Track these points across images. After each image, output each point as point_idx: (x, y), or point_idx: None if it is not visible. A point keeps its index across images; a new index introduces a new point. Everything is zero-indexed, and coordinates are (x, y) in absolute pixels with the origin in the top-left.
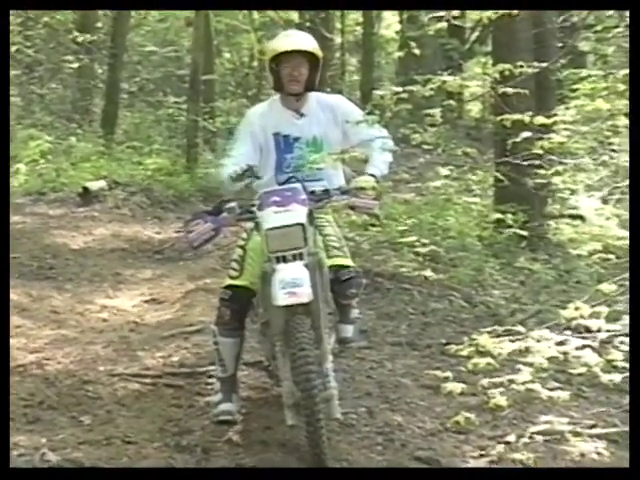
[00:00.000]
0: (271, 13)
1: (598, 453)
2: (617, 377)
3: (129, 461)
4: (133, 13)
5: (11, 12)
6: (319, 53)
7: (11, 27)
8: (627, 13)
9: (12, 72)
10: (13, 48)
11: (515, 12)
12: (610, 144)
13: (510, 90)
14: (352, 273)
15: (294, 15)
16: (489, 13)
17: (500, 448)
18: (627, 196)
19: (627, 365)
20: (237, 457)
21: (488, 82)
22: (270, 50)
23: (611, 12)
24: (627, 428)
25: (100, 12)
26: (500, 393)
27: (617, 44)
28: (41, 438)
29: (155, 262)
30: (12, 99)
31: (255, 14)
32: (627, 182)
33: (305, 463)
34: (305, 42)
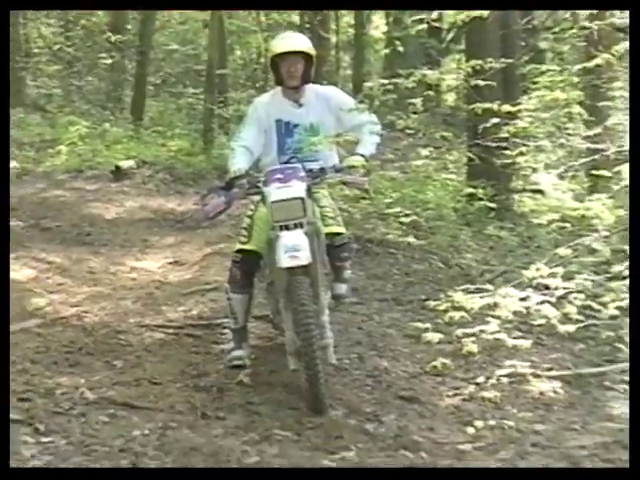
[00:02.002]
0: (275, 16)
1: (555, 392)
2: (571, 327)
3: (155, 399)
4: (158, 16)
5: (53, 16)
6: (312, 51)
7: (54, 29)
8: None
9: (54, 67)
10: (56, 47)
11: (486, 15)
12: (566, 129)
13: (481, 82)
14: (345, 239)
15: (295, 17)
16: (463, 16)
17: (471, 388)
18: (580, 173)
19: (580, 317)
20: (247, 396)
21: (462, 75)
22: (270, 51)
23: (567, 15)
24: (579, 370)
25: (129, 15)
26: (472, 342)
27: (571, 43)
28: (80, 379)
29: (177, 230)
30: (54, 90)
31: (262, 17)
32: (580, 161)
33: (305, 401)
34: (299, 43)
